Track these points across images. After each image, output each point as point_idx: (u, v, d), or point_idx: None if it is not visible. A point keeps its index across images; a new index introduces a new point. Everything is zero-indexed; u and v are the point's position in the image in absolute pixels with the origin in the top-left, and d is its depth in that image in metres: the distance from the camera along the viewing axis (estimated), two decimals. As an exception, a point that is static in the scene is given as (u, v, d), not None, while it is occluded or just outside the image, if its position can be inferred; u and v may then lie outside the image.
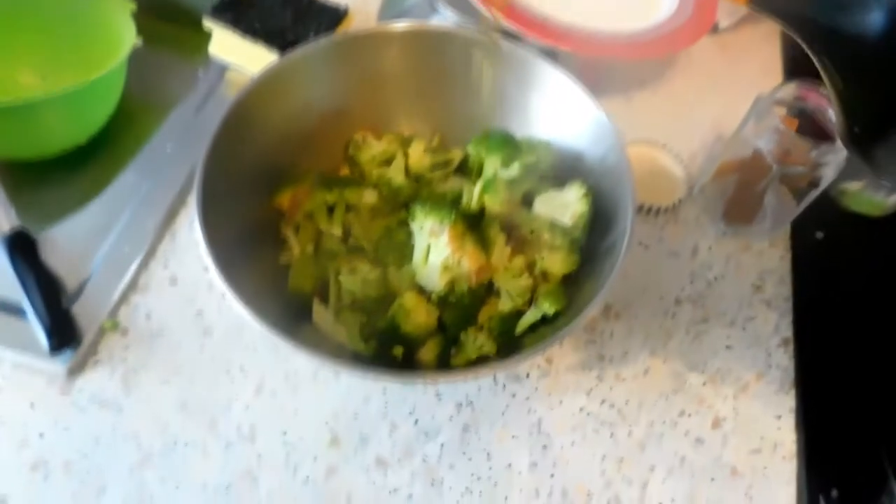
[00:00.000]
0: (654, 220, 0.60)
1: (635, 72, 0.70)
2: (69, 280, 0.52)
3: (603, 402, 0.50)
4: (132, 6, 0.63)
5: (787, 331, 0.55)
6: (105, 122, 0.62)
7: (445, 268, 0.43)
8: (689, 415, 0.50)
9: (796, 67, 0.72)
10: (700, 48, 0.72)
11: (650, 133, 0.66)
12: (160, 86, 0.68)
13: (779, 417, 0.51)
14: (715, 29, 0.74)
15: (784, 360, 0.53)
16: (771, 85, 0.55)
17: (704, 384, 0.52)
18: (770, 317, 0.56)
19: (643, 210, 0.59)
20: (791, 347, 0.54)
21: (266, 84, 0.49)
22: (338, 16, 0.63)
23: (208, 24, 0.63)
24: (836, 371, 0.53)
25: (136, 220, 0.56)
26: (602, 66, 0.68)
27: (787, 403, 0.51)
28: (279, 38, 0.61)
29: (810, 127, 0.53)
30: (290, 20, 0.62)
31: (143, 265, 0.54)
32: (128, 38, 0.60)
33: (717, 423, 0.50)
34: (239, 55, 0.63)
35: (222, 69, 0.66)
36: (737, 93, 0.70)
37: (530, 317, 0.45)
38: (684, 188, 0.61)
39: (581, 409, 0.50)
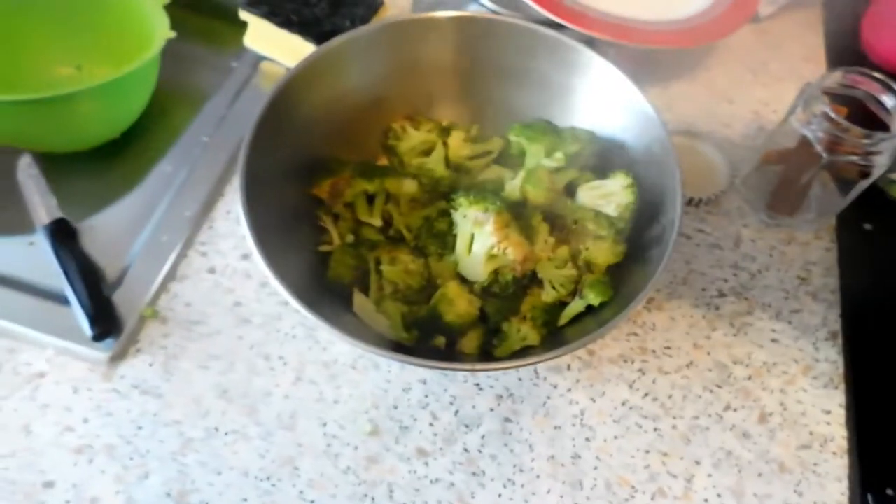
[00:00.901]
0: (695, 211, 0.59)
1: (674, 61, 0.69)
2: (109, 269, 0.52)
3: (646, 395, 0.49)
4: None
5: (835, 324, 0.54)
6: (139, 114, 0.62)
7: (490, 257, 0.42)
8: (735, 409, 0.49)
9: (839, 56, 0.70)
10: (740, 36, 0.71)
11: (690, 123, 0.65)
12: (194, 78, 0.68)
13: (828, 412, 0.49)
14: (756, 17, 0.72)
15: (832, 354, 0.52)
16: (813, 73, 0.54)
17: (750, 378, 0.51)
18: (817, 309, 0.54)
19: (684, 201, 0.57)
20: (839, 341, 0.53)
21: (305, 73, 0.49)
22: (373, 6, 0.63)
23: (244, 15, 0.63)
24: (886, 365, 0.51)
25: (174, 210, 0.56)
26: (640, 56, 0.67)
27: (837, 398, 0.50)
28: (315, 29, 0.61)
29: (860, 115, 0.52)
30: (325, 11, 0.62)
31: (182, 254, 0.54)
32: (161, 30, 0.60)
33: (763, 418, 0.49)
34: (274, 47, 0.63)
35: (256, 60, 0.66)
36: (778, 81, 0.69)
37: (574, 308, 0.44)
38: (726, 179, 0.59)
39: (624, 403, 0.49)
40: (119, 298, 0.51)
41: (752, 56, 0.71)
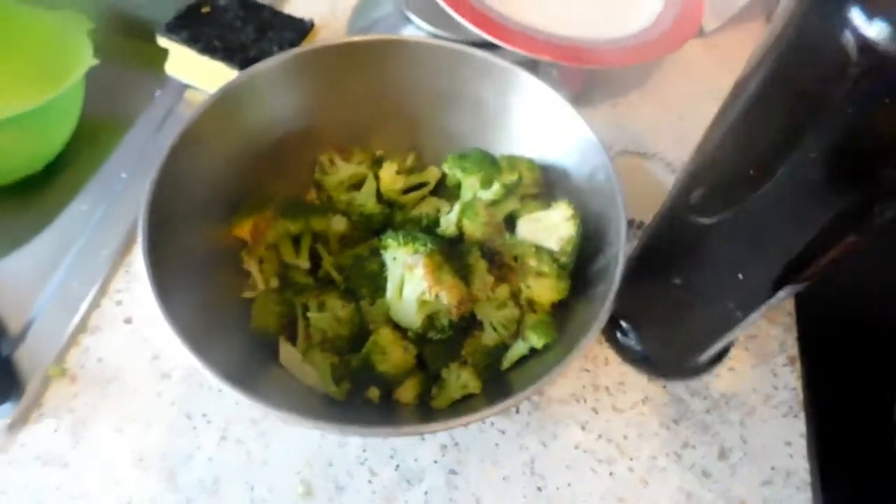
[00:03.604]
0: (636, 234, 0.56)
1: (621, 78, 0.67)
2: (10, 322, 0.47)
3: (600, 436, 0.46)
4: (90, 24, 0.59)
5: (793, 348, 0.52)
6: (61, 146, 0.58)
7: (422, 303, 0.39)
8: (694, 446, 0.46)
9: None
10: (688, 51, 0.69)
11: (638, 142, 0.63)
12: (117, 107, 0.64)
13: (789, 444, 0.47)
14: (701, 32, 0.71)
15: (791, 381, 0.50)
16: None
17: (708, 411, 0.48)
18: (774, 334, 0.52)
19: (633, 225, 0.55)
20: (798, 366, 0.51)
21: (223, 102, 0.45)
22: (303, 29, 0.59)
23: (163, 41, 0.59)
24: (848, 389, 0.49)
25: (88, 252, 0.52)
26: (586, 75, 0.65)
27: (797, 427, 0.48)
28: (240, 55, 0.57)
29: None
30: (251, 35, 0.58)
31: (94, 303, 0.49)
32: (85, 57, 0.56)
33: (723, 454, 0.46)
34: (198, 74, 0.59)
35: (181, 89, 0.62)
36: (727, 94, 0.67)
37: (517, 351, 0.41)
38: (676, 199, 0.57)
39: (577, 446, 0.46)
40: (21, 355, 0.46)
41: (703, 71, 0.69)
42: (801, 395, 0.49)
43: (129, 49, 0.69)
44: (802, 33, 0.27)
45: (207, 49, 0.57)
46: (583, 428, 0.47)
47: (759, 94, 0.30)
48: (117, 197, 0.55)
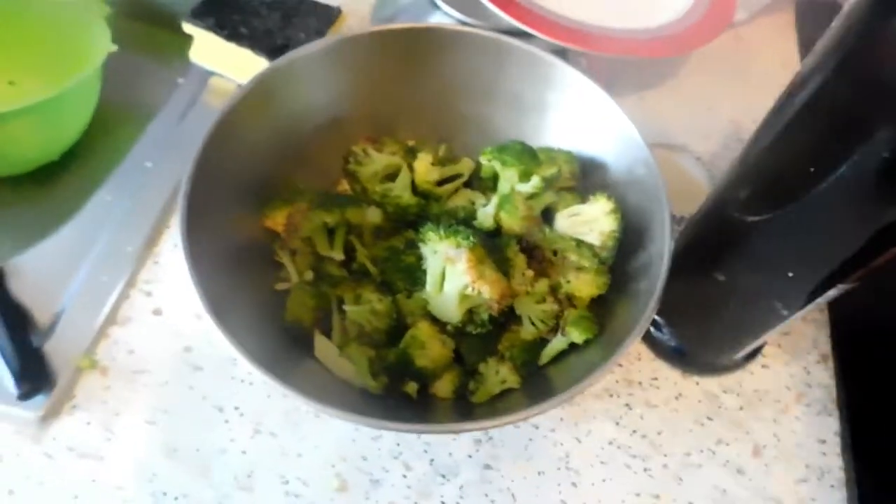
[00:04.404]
0: (675, 230, 0.55)
1: (648, 70, 0.66)
2: (40, 314, 0.47)
3: (634, 432, 0.46)
4: (107, 9, 0.58)
5: (826, 345, 0.51)
6: (79, 134, 0.57)
7: (464, 297, 0.38)
8: (728, 443, 0.46)
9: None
10: (715, 42, 0.68)
11: (667, 135, 0.62)
12: (138, 95, 0.63)
13: (823, 442, 0.47)
14: (730, 23, 0.70)
15: (825, 378, 0.50)
16: (790, 78, 0.51)
17: (741, 408, 0.48)
18: (806, 331, 0.52)
19: (674, 220, 0.54)
20: (831, 363, 0.50)
21: (255, 92, 0.44)
22: (330, 16, 0.58)
23: (188, 28, 0.57)
24: (883, 386, 0.49)
25: (114, 244, 0.51)
26: (614, 66, 0.64)
27: (832, 426, 0.47)
28: (267, 42, 0.56)
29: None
30: (278, 22, 0.57)
31: (124, 295, 0.49)
32: (102, 43, 0.55)
33: (757, 451, 0.46)
34: (223, 61, 0.58)
35: (205, 76, 0.61)
36: (756, 88, 0.66)
37: (556, 346, 0.41)
38: (707, 193, 0.56)
39: (611, 442, 0.45)
40: (52, 348, 0.45)
41: (729, 63, 0.68)
42: (834, 393, 0.49)
43: (150, 36, 0.68)
44: (871, 28, 0.27)
45: (234, 36, 0.56)
46: (616, 423, 0.46)
47: (822, 92, 0.30)
48: (142, 187, 0.54)
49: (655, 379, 0.48)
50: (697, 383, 0.48)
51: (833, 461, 0.46)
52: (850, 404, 0.48)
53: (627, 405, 0.47)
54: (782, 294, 0.36)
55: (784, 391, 0.49)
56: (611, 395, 0.47)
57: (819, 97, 0.30)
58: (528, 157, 0.43)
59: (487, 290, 0.37)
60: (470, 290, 0.37)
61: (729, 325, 0.43)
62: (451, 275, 0.38)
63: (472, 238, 0.37)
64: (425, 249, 0.40)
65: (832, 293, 0.35)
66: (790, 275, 0.35)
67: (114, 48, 0.54)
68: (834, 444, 0.47)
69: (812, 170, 0.30)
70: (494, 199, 0.43)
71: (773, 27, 0.72)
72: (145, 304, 0.49)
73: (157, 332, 0.47)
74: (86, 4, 0.59)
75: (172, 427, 0.44)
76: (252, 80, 0.44)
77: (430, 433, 0.42)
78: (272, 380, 0.33)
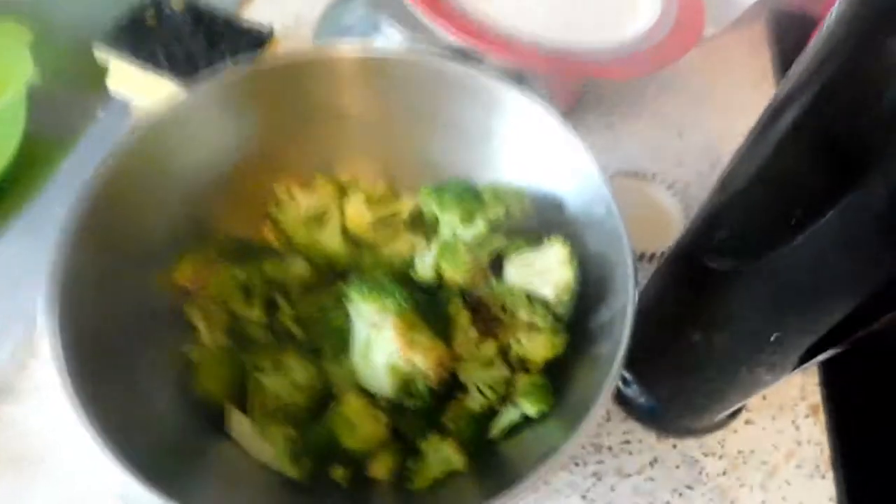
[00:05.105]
0: (646, 268, 0.50)
1: (615, 92, 0.62)
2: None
3: (604, 507, 0.40)
4: (30, 36, 0.52)
5: (814, 395, 0.46)
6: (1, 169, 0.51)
7: (393, 368, 0.32)
8: (710, 515, 0.41)
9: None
10: (684, 58, 0.64)
11: (636, 161, 0.57)
12: (59, 128, 0.57)
13: (817, 509, 0.41)
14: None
15: (815, 434, 0.44)
16: (765, 97, 0.46)
17: (725, 472, 0.42)
18: (793, 379, 0.46)
19: (643, 259, 0.49)
20: (821, 416, 0.45)
21: (160, 125, 0.38)
22: (261, 39, 0.53)
23: (100, 54, 0.52)
24: (880, 444, 0.44)
25: (12, 299, 0.45)
26: (577, 88, 0.59)
27: (826, 490, 0.42)
28: (188, 68, 0.50)
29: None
30: (202, 45, 0.52)
31: (20, 363, 0.42)
32: (24, 71, 0.50)
33: (744, 524, 0.41)
34: (142, 90, 0.52)
35: (127, 107, 0.55)
36: (730, 108, 0.62)
37: (508, 418, 0.35)
38: (681, 227, 0.51)
39: (578, 521, 0.40)
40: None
41: (700, 82, 0.64)
42: (826, 451, 0.44)
43: (73, 63, 0.62)
44: (866, 47, 0.22)
45: (150, 62, 0.50)
46: (583, 497, 0.41)
47: (804, 120, 0.25)
48: (49, 239, 0.48)
49: (627, 442, 0.43)
50: (675, 446, 0.43)
51: (829, 532, 0.41)
52: (845, 465, 0.43)
53: (596, 475, 0.41)
54: (765, 359, 0.31)
55: (772, 451, 0.43)
56: (577, 464, 0.42)
57: (801, 127, 0.25)
58: (470, 198, 0.37)
59: (421, 360, 0.31)
60: (400, 359, 0.32)
61: (705, 390, 0.37)
62: (378, 342, 0.32)
63: (399, 298, 0.32)
64: (351, 310, 0.34)
65: (822, 357, 0.30)
66: (773, 337, 0.29)
67: (36, 76, 0.49)
68: (829, 512, 0.41)
69: (797, 215, 0.25)
70: (434, 248, 0.38)
71: (744, 42, 0.68)
72: (41, 376, 0.42)
73: (52, 408, 0.41)
74: (7, 30, 0.54)
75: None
76: (156, 109, 0.38)
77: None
78: (153, 491, 0.27)
